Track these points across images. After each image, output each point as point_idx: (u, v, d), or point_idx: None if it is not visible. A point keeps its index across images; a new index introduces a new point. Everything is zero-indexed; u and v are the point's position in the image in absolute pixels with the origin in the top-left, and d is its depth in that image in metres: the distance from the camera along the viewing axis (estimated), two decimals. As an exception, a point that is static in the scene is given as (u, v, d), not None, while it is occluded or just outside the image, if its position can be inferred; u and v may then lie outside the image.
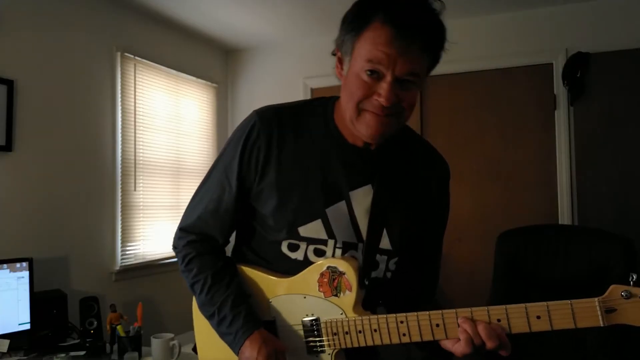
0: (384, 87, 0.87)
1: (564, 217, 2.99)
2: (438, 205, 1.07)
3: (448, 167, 1.10)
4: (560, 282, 1.88)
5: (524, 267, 2.05)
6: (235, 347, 0.96)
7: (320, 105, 1.04)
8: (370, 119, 0.91)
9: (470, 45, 3.26)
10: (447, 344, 0.88)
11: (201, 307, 1.03)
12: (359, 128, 0.93)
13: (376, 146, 1.00)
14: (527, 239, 2.10)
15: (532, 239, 2.09)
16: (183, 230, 1.06)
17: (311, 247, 0.99)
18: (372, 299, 1.03)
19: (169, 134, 3.33)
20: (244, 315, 0.96)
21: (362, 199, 0.99)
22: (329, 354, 0.94)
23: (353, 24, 0.90)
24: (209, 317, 1.01)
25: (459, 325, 0.85)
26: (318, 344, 0.95)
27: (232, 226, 1.06)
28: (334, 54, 0.97)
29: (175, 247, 1.08)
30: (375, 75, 0.87)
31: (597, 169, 2.94)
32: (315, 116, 1.02)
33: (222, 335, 1.00)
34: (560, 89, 3.04)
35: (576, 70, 2.95)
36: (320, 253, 0.99)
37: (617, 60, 2.90)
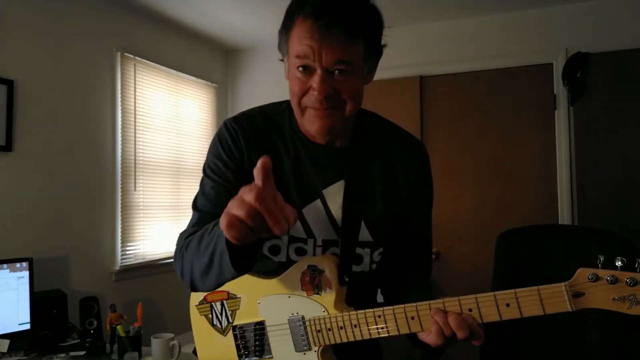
0: (315, 80, 0.88)
1: (564, 217, 2.99)
2: (419, 189, 1.06)
3: (424, 149, 1.10)
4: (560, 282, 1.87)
5: (524, 267, 2.04)
6: (220, 240, 0.80)
7: (288, 108, 1.04)
8: (312, 116, 0.93)
9: (470, 45, 3.26)
10: (423, 336, 0.88)
11: (197, 254, 0.90)
12: (306, 127, 0.96)
13: (342, 141, 1.01)
14: (527, 239, 2.10)
15: (532, 239, 2.09)
16: (182, 234, 1.02)
17: (292, 247, 1.00)
18: (362, 292, 1.03)
19: (169, 134, 3.33)
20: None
21: (335, 195, 1.00)
22: (315, 351, 0.95)
23: (283, 25, 0.93)
24: (200, 250, 0.88)
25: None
26: (304, 342, 0.95)
27: None
28: (281, 60, 0.99)
29: (174, 259, 1.01)
30: (308, 70, 0.89)
31: (597, 169, 2.94)
32: (283, 118, 1.04)
33: (207, 248, 0.85)
34: (560, 89, 3.04)
35: (576, 70, 2.96)
36: (301, 252, 1.00)
37: (617, 60, 2.90)
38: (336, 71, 0.88)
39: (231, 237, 0.73)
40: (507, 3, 3.05)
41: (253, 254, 0.85)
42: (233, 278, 0.86)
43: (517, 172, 3.14)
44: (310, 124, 0.94)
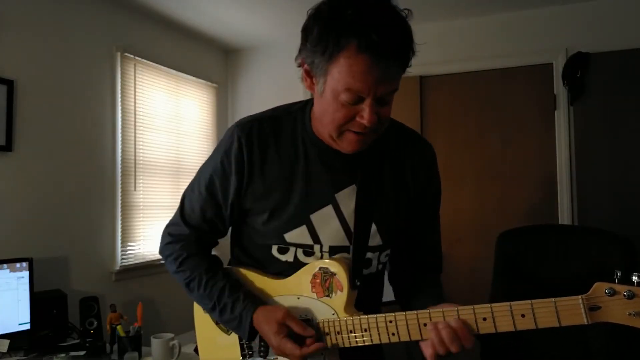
0: (366, 110, 0.86)
1: (564, 217, 2.99)
2: (427, 188, 1.07)
3: (432, 148, 1.11)
4: (560, 282, 1.88)
5: (524, 267, 2.04)
6: (243, 328, 0.98)
7: (300, 110, 1.04)
8: (352, 138, 0.92)
9: (470, 45, 3.26)
10: (422, 345, 0.89)
11: (200, 302, 1.05)
12: (340, 145, 0.94)
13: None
14: (527, 239, 2.10)
15: (532, 239, 2.09)
16: (172, 236, 1.07)
17: (300, 250, 1.00)
18: (369, 294, 1.04)
19: (169, 134, 3.32)
20: (243, 298, 0.99)
21: (348, 199, 1.00)
22: (322, 354, 0.94)
23: (324, 47, 0.84)
24: (210, 310, 1.03)
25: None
26: None
27: (225, 224, 1.08)
28: (299, 66, 0.94)
29: (162, 252, 1.10)
30: (356, 98, 0.87)
31: (597, 168, 2.94)
32: (295, 122, 1.03)
33: (227, 323, 1.01)
34: (560, 89, 3.04)
35: (576, 70, 2.95)
36: (309, 253, 1.00)
37: (617, 60, 2.90)
38: (383, 99, 0.88)
39: None
40: (507, 3, 3.05)
41: None
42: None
43: (517, 172, 3.14)
44: (348, 144, 0.93)
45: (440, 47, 3.33)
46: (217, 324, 1.05)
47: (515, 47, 3.15)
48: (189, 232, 1.05)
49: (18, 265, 2.12)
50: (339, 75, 0.84)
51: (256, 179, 0.99)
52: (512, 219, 2.97)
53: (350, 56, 0.82)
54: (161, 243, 1.09)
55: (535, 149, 3.11)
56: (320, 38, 0.85)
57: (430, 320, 0.86)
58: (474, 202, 3.21)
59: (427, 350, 0.87)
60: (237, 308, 0.97)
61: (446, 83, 3.32)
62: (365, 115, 0.86)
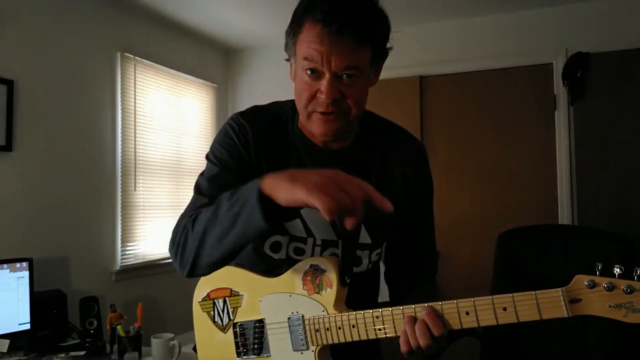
0: (323, 83, 0.88)
1: (564, 217, 2.99)
2: (418, 188, 1.07)
3: (423, 147, 1.11)
4: (561, 282, 1.88)
5: (524, 267, 2.05)
6: (251, 194, 0.80)
7: (291, 109, 1.04)
8: (318, 119, 0.93)
9: (470, 45, 3.26)
10: (400, 341, 0.88)
11: (215, 219, 0.88)
12: (312, 128, 0.96)
13: (344, 144, 1.01)
14: (527, 239, 2.11)
15: (532, 239, 2.09)
16: (184, 215, 0.98)
17: (292, 246, 1.01)
18: (362, 293, 1.04)
19: (169, 134, 3.33)
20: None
21: None
22: (312, 351, 0.95)
23: (291, 27, 0.92)
24: (229, 220, 0.85)
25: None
26: (302, 341, 0.96)
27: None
28: (287, 60, 0.98)
29: (172, 240, 0.97)
30: (316, 74, 0.89)
31: (597, 169, 2.94)
32: (286, 120, 1.04)
33: (240, 199, 0.83)
34: (560, 89, 3.04)
35: (576, 70, 2.95)
36: (300, 252, 1.00)
37: (617, 60, 2.90)
38: (344, 76, 0.88)
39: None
40: (507, 3, 3.05)
41: (287, 215, 0.84)
42: (257, 233, 0.82)
43: (517, 172, 3.14)
44: (316, 126, 0.94)
45: (440, 47, 3.33)
46: (213, 322, 1.05)
47: (515, 47, 3.15)
48: (207, 200, 0.96)
49: (18, 265, 2.12)
50: (300, 49, 0.90)
51: (254, 161, 1.00)
52: (512, 219, 2.97)
53: (308, 28, 0.88)
54: (172, 234, 0.97)
55: (535, 149, 3.11)
56: (290, 24, 0.93)
57: (416, 315, 0.86)
58: (474, 202, 3.21)
59: (401, 346, 0.87)
60: (238, 191, 0.85)
61: (446, 83, 3.32)
62: (323, 88, 0.88)
